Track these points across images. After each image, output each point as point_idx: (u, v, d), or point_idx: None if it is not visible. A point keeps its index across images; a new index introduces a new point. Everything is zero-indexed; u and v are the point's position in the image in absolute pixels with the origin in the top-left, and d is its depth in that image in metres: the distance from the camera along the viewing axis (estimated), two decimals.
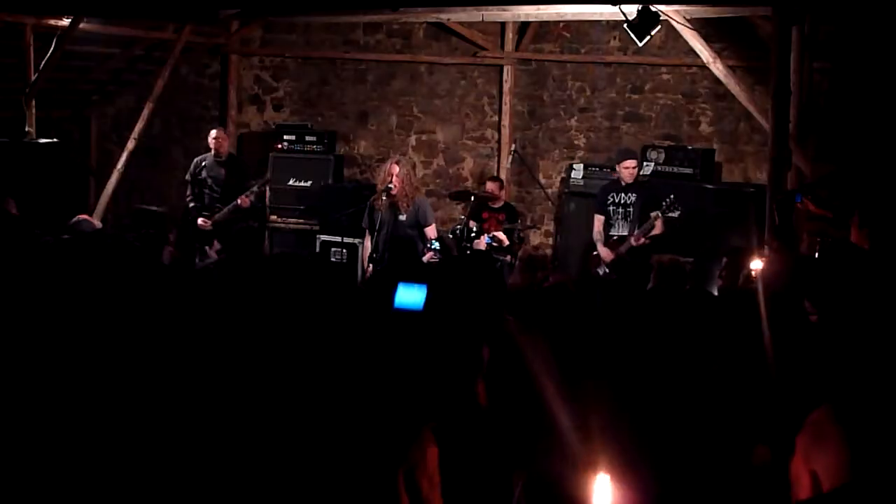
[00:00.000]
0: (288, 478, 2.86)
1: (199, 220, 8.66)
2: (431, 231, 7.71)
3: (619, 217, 8.02)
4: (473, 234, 8.14)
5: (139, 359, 3.55)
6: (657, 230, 7.71)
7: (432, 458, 2.16)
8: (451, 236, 8.24)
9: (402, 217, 7.65)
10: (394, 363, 3.33)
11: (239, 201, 8.51)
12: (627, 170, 7.95)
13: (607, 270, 7.90)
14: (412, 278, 4.24)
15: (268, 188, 10.12)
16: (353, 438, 2.83)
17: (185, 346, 3.68)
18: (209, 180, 8.85)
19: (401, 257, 5.64)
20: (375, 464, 2.48)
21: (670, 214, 7.64)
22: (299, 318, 3.84)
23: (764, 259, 4.70)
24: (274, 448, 2.94)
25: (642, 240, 7.68)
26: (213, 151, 8.89)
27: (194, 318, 4.06)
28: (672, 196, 7.63)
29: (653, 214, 7.68)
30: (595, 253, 8.12)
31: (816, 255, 5.56)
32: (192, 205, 8.88)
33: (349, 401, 3.11)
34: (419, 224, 7.70)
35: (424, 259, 7.46)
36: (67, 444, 3.10)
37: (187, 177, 9.06)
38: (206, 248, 8.38)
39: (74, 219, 7.30)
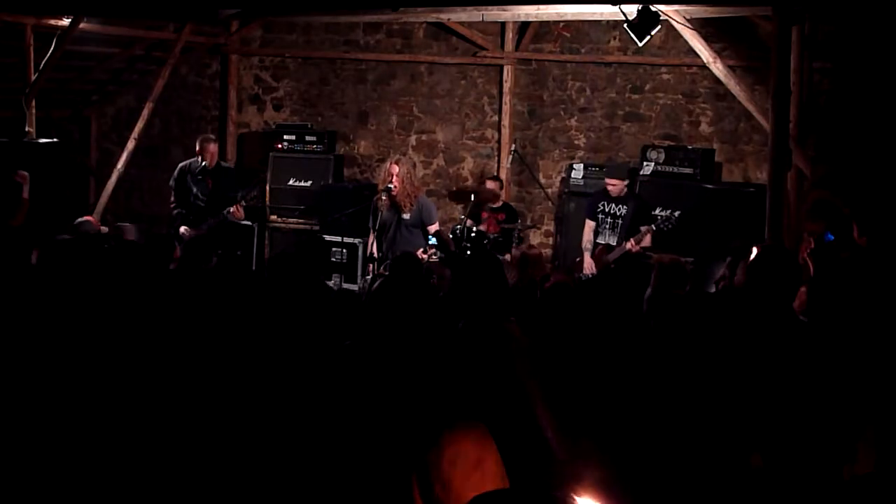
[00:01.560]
0: (302, 478, 2.86)
1: (182, 229, 8.22)
2: (434, 229, 7.72)
3: (608, 227, 8.00)
4: (473, 234, 8.14)
5: (148, 357, 3.55)
6: (646, 243, 7.68)
7: (449, 460, 2.16)
8: (450, 235, 8.23)
9: (406, 216, 7.67)
10: (409, 365, 3.33)
11: (233, 209, 8.20)
12: (610, 187, 7.95)
13: (590, 274, 7.87)
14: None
15: (268, 188, 10.14)
16: (369, 440, 2.83)
17: (197, 345, 3.68)
18: (195, 188, 8.53)
19: (402, 264, 5.61)
20: (389, 466, 2.47)
21: (663, 227, 7.62)
22: (314, 320, 3.84)
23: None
24: (288, 448, 2.94)
25: (637, 247, 7.65)
26: (201, 160, 8.50)
27: (205, 318, 4.07)
28: (669, 211, 7.60)
29: (643, 229, 7.65)
30: (578, 259, 8.11)
31: (812, 246, 5.56)
32: (175, 212, 8.54)
33: (365, 402, 3.10)
34: (423, 223, 7.72)
35: (424, 257, 7.47)
36: (70, 443, 3.10)
37: (171, 183, 8.69)
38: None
39: (77, 220, 7.34)
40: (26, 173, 7.13)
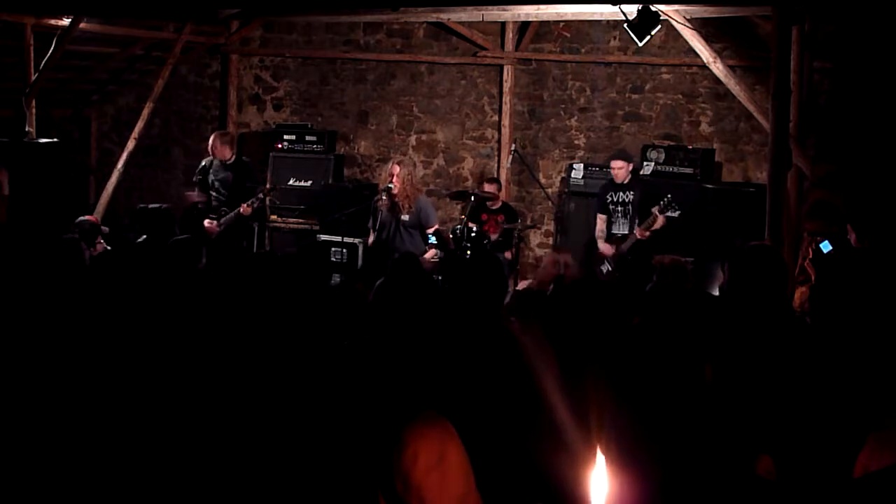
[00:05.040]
0: (276, 475, 2.85)
1: (206, 222, 8.63)
2: (432, 231, 7.74)
3: (620, 215, 8.07)
4: (473, 234, 8.15)
5: (134, 358, 3.55)
6: (658, 224, 7.73)
7: (410, 457, 2.16)
8: (451, 236, 8.24)
9: (405, 217, 7.68)
10: (392, 364, 3.33)
11: (241, 209, 8.52)
12: (614, 171, 8.07)
13: (610, 269, 7.91)
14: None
15: (268, 187, 10.14)
16: (336, 439, 2.82)
17: (192, 343, 3.67)
18: (216, 183, 8.86)
19: (400, 264, 5.61)
20: (353, 465, 2.47)
21: (669, 214, 7.67)
22: (277, 326, 3.82)
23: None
24: (254, 460, 2.92)
25: (646, 233, 7.70)
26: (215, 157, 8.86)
27: (202, 316, 4.06)
28: (669, 196, 7.66)
29: (654, 209, 7.69)
30: (599, 251, 8.14)
31: (811, 256, 5.56)
32: (200, 206, 8.86)
33: (342, 402, 3.10)
34: (421, 225, 7.73)
35: (426, 256, 7.49)
36: (68, 444, 3.10)
37: (195, 178, 9.04)
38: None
39: (77, 220, 7.35)
40: (5, 170, 7.21)
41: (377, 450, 2.23)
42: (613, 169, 8.07)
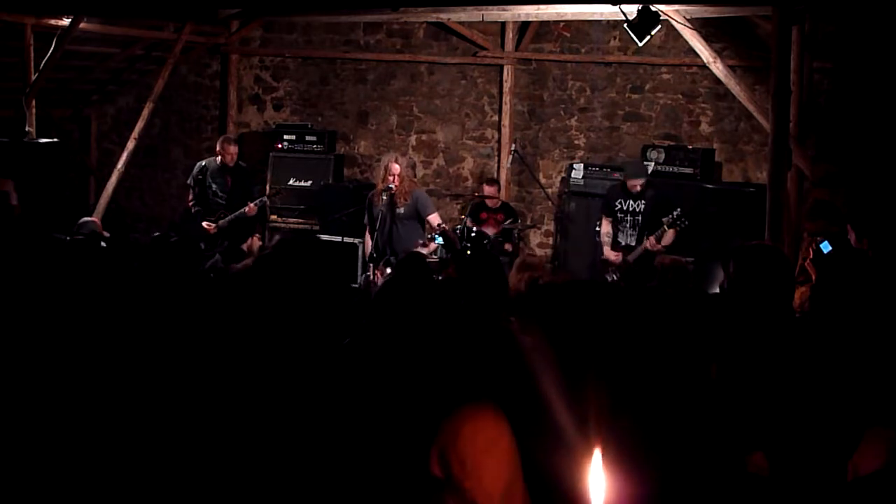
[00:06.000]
0: (322, 457, 2.84)
1: (204, 224, 8.65)
2: (434, 219, 7.73)
3: (628, 225, 7.95)
4: (474, 235, 8.16)
5: (154, 356, 3.55)
6: (668, 240, 7.63)
7: (467, 439, 2.15)
8: (456, 232, 8.24)
9: (400, 210, 7.70)
10: (427, 343, 3.33)
11: (246, 210, 8.58)
12: (636, 187, 7.90)
13: (616, 277, 7.83)
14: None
15: (268, 188, 10.16)
16: (386, 419, 2.81)
17: (196, 343, 3.67)
18: (214, 186, 8.83)
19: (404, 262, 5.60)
20: (408, 444, 2.45)
21: (680, 226, 7.59)
22: (329, 303, 3.82)
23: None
24: (292, 446, 2.93)
25: (658, 246, 7.57)
26: (220, 160, 8.83)
27: (205, 316, 4.05)
28: (679, 210, 7.56)
29: (664, 220, 7.57)
30: (603, 258, 8.07)
31: (811, 256, 5.56)
32: (195, 209, 8.84)
33: (382, 382, 3.10)
34: (419, 215, 7.75)
35: (426, 250, 7.50)
36: (69, 444, 3.10)
37: (189, 181, 8.99)
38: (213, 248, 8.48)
39: (80, 220, 7.35)
40: (10, 181, 7.21)
41: (431, 430, 2.20)
42: (634, 187, 7.85)
